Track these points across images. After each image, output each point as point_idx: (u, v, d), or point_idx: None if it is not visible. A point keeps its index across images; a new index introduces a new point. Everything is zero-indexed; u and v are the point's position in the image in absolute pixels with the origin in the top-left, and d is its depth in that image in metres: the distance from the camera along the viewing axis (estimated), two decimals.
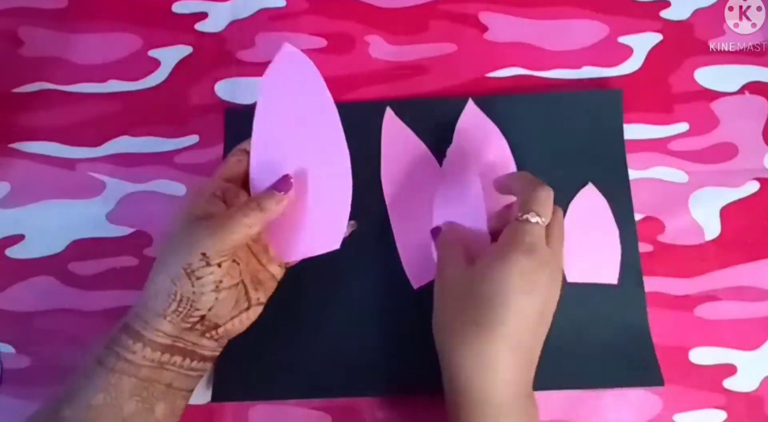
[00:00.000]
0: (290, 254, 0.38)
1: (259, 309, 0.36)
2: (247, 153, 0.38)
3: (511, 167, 0.44)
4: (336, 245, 0.36)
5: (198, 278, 0.32)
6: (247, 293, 0.35)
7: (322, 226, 0.37)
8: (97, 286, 0.43)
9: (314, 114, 0.37)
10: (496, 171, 0.42)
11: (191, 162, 0.46)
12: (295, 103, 0.37)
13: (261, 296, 0.36)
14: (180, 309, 0.32)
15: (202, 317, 0.33)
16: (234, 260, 0.34)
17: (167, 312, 0.32)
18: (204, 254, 0.32)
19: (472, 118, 0.45)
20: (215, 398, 0.40)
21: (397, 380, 0.41)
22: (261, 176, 0.37)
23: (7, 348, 0.42)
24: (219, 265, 0.32)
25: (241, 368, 0.41)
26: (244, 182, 0.38)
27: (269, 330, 0.39)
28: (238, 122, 0.46)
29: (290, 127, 0.37)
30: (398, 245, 0.43)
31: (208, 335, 0.34)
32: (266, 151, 0.38)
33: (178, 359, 0.33)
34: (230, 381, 0.40)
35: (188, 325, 0.33)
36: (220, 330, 0.35)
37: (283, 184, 0.35)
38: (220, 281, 0.33)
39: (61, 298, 0.43)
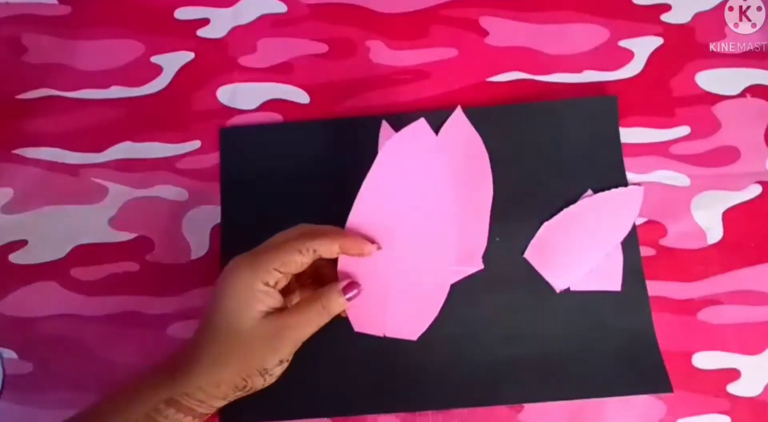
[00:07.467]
0: (365, 327, 0.38)
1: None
2: (313, 254, 0.35)
3: (488, 179, 0.44)
4: (413, 336, 0.38)
5: (270, 375, 0.34)
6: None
7: (408, 311, 0.37)
8: (100, 291, 0.44)
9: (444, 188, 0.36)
10: (473, 181, 0.43)
11: (193, 168, 0.46)
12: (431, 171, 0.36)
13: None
14: (242, 393, 0.34)
15: None
16: None
17: (229, 397, 0.34)
18: (281, 360, 0.34)
19: (456, 125, 0.45)
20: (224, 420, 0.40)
21: (402, 397, 0.40)
22: (361, 221, 0.36)
23: (10, 354, 0.43)
24: (288, 360, 0.34)
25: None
26: (295, 278, 0.37)
27: None
28: (234, 141, 0.46)
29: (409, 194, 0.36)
30: None
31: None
32: (372, 204, 0.36)
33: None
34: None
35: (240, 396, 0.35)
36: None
37: (349, 289, 0.36)
38: (288, 367, 0.35)
39: (63, 303, 0.43)
